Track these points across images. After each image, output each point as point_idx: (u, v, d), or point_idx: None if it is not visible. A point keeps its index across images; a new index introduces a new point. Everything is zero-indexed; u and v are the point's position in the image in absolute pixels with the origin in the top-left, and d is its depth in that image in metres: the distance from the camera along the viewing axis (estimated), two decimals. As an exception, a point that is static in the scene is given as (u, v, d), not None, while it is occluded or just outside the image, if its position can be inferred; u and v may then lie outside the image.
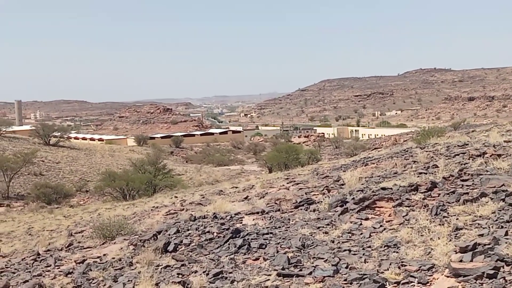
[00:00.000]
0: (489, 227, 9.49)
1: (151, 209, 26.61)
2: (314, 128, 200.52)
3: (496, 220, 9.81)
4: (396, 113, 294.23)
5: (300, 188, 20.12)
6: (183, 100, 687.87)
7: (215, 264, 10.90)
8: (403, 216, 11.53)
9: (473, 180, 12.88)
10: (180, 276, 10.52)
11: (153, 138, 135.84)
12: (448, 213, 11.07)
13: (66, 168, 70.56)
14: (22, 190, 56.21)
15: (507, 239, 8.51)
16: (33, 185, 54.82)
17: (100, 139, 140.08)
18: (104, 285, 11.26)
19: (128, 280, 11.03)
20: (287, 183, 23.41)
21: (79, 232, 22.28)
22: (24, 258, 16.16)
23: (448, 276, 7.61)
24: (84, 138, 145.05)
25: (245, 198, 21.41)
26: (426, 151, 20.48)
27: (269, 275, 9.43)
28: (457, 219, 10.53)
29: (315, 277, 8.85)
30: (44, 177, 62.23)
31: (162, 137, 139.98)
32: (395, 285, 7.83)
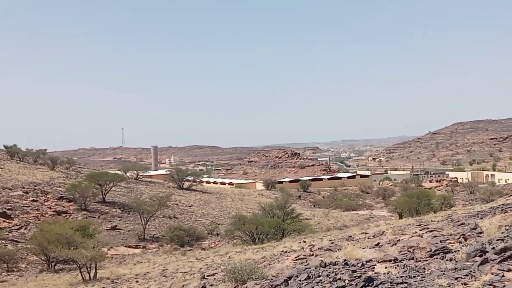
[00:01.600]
0: None
1: (280, 254, 26.65)
2: (446, 172, 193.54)
3: None
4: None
5: (435, 236, 19.36)
6: (311, 144, 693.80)
7: (347, 312, 10.68)
8: (551, 269, 10.74)
9: None
10: (312, 323, 10.40)
11: (281, 182, 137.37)
12: None
13: (198, 211, 72.72)
14: (157, 232, 58.38)
15: None
16: (167, 228, 56.88)
17: (230, 183, 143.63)
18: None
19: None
20: (420, 230, 22.65)
21: (211, 275, 22.70)
22: (160, 299, 16.70)
23: None
24: (215, 182, 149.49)
25: (376, 244, 20.92)
26: None
27: (405, 327, 9.09)
28: None
29: (455, 331, 8.42)
30: (178, 220, 64.46)
31: (290, 181, 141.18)
32: None
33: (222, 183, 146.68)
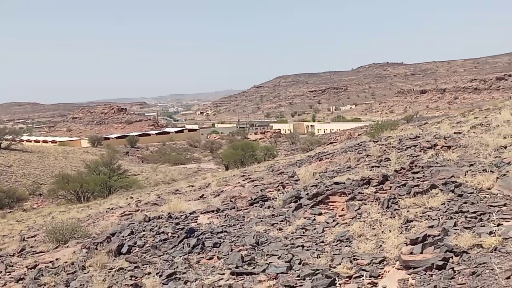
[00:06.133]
0: (438, 218, 9.65)
1: (106, 211, 26.20)
2: (270, 124, 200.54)
3: (446, 211, 9.98)
4: (350, 108, 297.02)
5: (256, 185, 20.10)
6: (138, 99, 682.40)
7: (169, 265, 10.79)
8: (356, 210, 11.63)
9: (423, 172, 13.09)
10: (133, 278, 10.39)
11: (108, 138, 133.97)
12: (399, 205, 11.22)
13: (18, 171, 68.92)
14: (-28, 195, 54.68)
15: (456, 230, 8.66)
16: (-16, 190, 53.43)
17: (53, 141, 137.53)
18: (56, 290, 11.03)
19: (80, 285, 10.83)
20: (243, 180, 23.37)
21: (32, 237, 21.77)
22: (-26, 265, 15.70)
23: (398, 269, 7.69)
24: (36, 141, 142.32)
25: (201, 196, 21.30)
26: (379, 145, 20.72)
27: (223, 274, 9.39)
28: (407, 211, 10.68)
29: (269, 274, 8.85)
30: (-4, 182, 60.75)
31: (117, 138, 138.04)
32: (347, 279, 7.88)
33: (45, 142, 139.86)
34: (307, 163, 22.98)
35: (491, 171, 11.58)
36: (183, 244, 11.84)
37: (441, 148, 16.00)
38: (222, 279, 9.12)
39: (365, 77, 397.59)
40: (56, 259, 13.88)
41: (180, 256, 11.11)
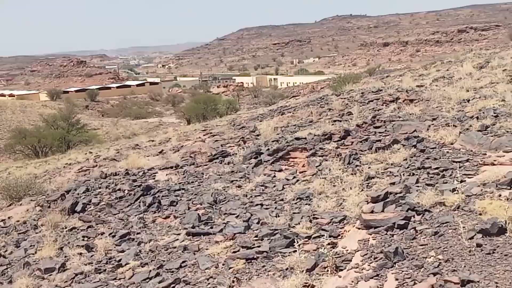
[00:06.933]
0: (400, 175, 9.44)
1: (64, 166, 25.54)
2: (233, 77, 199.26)
3: (408, 167, 9.80)
4: (314, 61, 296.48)
5: (216, 140, 19.69)
6: (98, 52, 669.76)
7: (123, 224, 10.45)
8: (316, 166, 11.36)
9: (385, 127, 12.88)
10: (85, 239, 10.03)
11: (67, 92, 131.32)
12: (360, 161, 11.00)
13: (-27, 125, 67.33)
14: None
15: (418, 187, 8.47)
16: None
17: (10, 95, 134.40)
18: (5, 251, 10.62)
19: (31, 245, 10.44)
20: (204, 135, 22.93)
21: (-15, 194, 21.12)
22: None
23: (359, 228, 7.46)
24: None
25: (160, 152, 20.81)
26: (341, 98, 20.46)
27: (178, 234, 9.09)
28: (369, 167, 10.46)
29: (226, 234, 8.56)
30: (-50, 136, 59.16)
31: (76, 91, 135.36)
32: (306, 239, 7.62)
33: (2, 95, 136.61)
34: (269, 117, 22.62)
35: (453, 125, 11.42)
36: (139, 202, 11.49)
37: (403, 101, 15.82)
38: (177, 239, 8.82)
39: (329, 30, 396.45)
40: (8, 218, 13.45)
41: (136, 215, 10.77)
